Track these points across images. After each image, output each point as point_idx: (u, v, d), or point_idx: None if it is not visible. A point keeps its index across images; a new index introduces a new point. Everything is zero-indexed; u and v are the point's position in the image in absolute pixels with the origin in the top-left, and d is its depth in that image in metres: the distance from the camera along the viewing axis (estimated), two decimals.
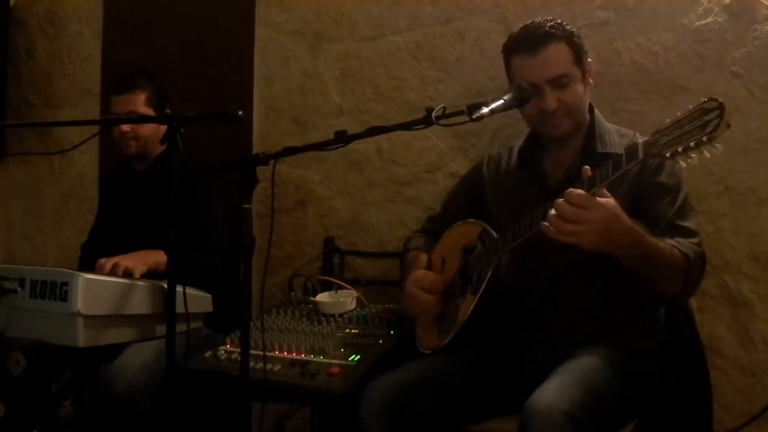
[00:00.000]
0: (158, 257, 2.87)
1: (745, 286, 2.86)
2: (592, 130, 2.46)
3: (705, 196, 2.86)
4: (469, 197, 2.75)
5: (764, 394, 2.82)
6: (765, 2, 2.80)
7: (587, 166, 2.04)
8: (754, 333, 2.86)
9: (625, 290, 2.38)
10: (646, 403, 2.36)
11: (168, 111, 3.20)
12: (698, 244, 2.26)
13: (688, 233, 2.26)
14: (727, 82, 2.85)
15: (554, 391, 2.05)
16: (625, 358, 2.27)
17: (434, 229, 2.81)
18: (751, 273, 2.86)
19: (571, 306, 2.39)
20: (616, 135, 2.46)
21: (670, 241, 2.18)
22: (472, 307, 2.38)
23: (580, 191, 1.97)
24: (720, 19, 2.87)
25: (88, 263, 3.35)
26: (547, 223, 2.02)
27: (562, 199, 1.99)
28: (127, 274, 2.78)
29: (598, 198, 1.97)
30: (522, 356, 2.45)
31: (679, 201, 2.30)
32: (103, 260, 2.83)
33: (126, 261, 2.82)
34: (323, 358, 2.54)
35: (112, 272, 2.77)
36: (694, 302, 2.67)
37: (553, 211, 2.01)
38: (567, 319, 2.39)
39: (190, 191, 3.01)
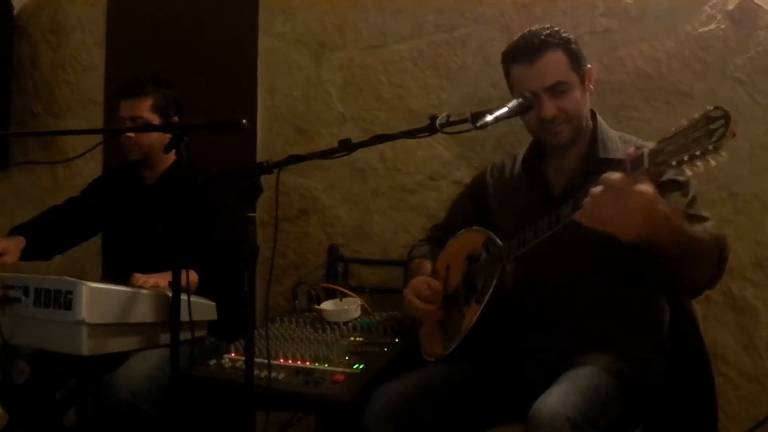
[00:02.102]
0: (192, 277, 2.83)
1: (750, 293, 2.87)
2: (594, 137, 2.46)
3: (709, 203, 2.84)
4: (473, 205, 2.75)
5: None
6: (767, 8, 2.80)
7: (631, 149, 1.99)
8: (758, 340, 2.86)
9: (629, 298, 2.38)
10: (650, 410, 2.35)
11: (176, 119, 3.22)
12: (714, 228, 2.26)
13: (703, 219, 2.25)
14: (730, 88, 2.86)
15: (558, 398, 2.05)
16: (629, 366, 2.27)
17: (439, 237, 2.82)
18: (756, 279, 2.86)
19: (576, 315, 2.38)
20: (619, 141, 2.45)
21: (698, 227, 2.17)
22: (476, 316, 2.39)
23: (619, 175, 1.92)
24: (722, 26, 2.88)
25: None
26: (581, 213, 1.98)
27: (599, 187, 1.94)
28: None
29: (636, 186, 1.92)
30: (526, 365, 2.44)
31: (691, 194, 2.30)
32: (140, 276, 2.84)
33: (162, 281, 2.82)
34: (328, 365, 2.54)
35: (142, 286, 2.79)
36: (698, 309, 2.67)
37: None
38: (571, 327, 2.39)
39: (206, 202, 3.02)
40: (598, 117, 2.50)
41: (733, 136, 1.71)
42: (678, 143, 1.80)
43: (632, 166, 1.93)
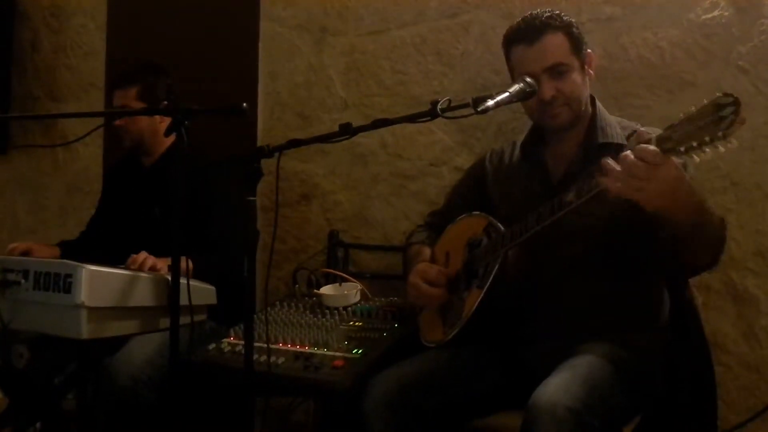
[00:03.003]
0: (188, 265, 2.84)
1: (751, 282, 2.86)
2: (593, 122, 2.46)
3: (711, 192, 2.85)
4: (472, 192, 2.75)
5: None
6: None
7: (643, 129, 1.97)
8: (759, 329, 2.86)
9: (630, 286, 2.39)
10: (650, 399, 2.35)
11: (165, 103, 3.22)
12: None
13: None
14: (734, 77, 2.85)
15: (558, 387, 2.05)
16: (629, 355, 2.27)
17: (437, 224, 2.81)
18: (757, 269, 2.86)
19: (576, 302, 2.38)
20: (618, 127, 2.46)
21: None
22: (477, 302, 2.38)
23: (654, 148, 1.86)
24: (726, 14, 2.87)
25: (87, 253, 3.36)
26: (605, 179, 1.94)
27: (630, 152, 1.89)
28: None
29: (670, 158, 1.88)
30: (527, 352, 2.44)
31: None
32: (137, 257, 2.82)
33: (160, 262, 2.81)
34: (327, 350, 2.54)
35: (140, 268, 2.77)
36: (699, 298, 2.67)
37: (613, 165, 1.92)
38: (572, 315, 2.39)
39: (205, 189, 3.02)
40: (598, 103, 2.50)
41: (743, 123, 1.70)
42: (686, 130, 1.79)
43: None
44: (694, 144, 1.76)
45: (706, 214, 2.08)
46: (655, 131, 1.89)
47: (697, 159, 1.79)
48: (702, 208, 2.06)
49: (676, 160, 1.89)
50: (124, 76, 3.29)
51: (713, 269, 2.31)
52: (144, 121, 3.25)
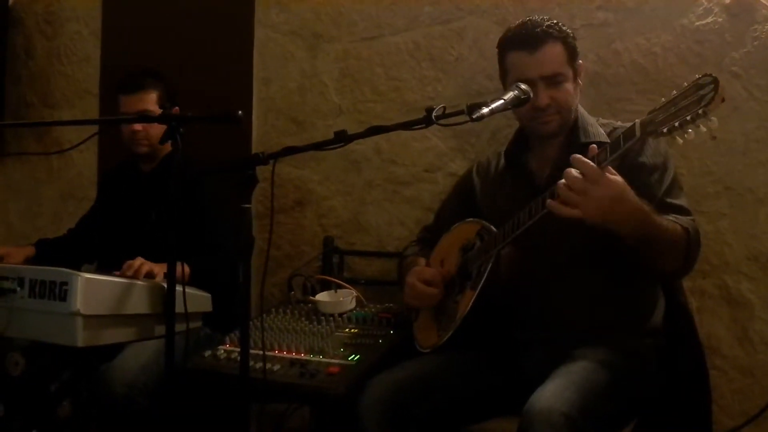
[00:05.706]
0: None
1: (745, 287, 2.87)
2: (575, 124, 2.48)
3: (704, 197, 2.87)
4: (462, 204, 2.76)
5: (763, 395, 2.83)
6: (764, 2, 2.81)
7: (594, 145, 2.05)
8: (753, 333, 2.87)
9: (624, 290, 2.39)
10: (645, 404, 2.35)
11: (177, 110, 3.21)
12: (693, 221, 2.28)
13: (681, 211, 2.28)
14: (726, 82, 2.85)
15: (553, 393, 2.05)
16: (623, 359, 2.27)
17: (429, 238, 2.82)
18: (751, 273, 2.87)
19: (570, 305, 2.39)
20: (599, 126, 2.49)
21: (669, 217, 2.19)
22: (471, 302, 2.39)
23: (591, 163, 1.97)
24: (719, 20, 2.88)
25: (72, 252, 3.43)
26: (551, 200, 2.02)
27: (572, 169, 1.99)
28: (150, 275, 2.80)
29: (607, 175, 1.97)
30: (521, 356, 2.45)
31: (668, 179, 2.33)
32: (131, 263, 2.82)
33: (156, 268, 2.81)
34: (323, 357, 2.54)
35: (136, 274, 2.77)
36: (693, 302, 2.67)
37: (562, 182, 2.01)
38: (566, 318, 2.39)
39: (200, 194, 3.02)
40: (579, 106, 2.52)
41: (723, 100, 1.75)
42: (668, 111, 1.84)
43: (625, 138, 1.97)
44: (676, 124, 1.81)
45: (654, 228, 2.11)
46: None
47: (680, 140, 1.82)
48: (647, 223, 2.09)
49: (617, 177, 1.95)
50: (139, 81, 3.27)
51: (680, 278, 2.39)
52: (161, 126, 3.24)
